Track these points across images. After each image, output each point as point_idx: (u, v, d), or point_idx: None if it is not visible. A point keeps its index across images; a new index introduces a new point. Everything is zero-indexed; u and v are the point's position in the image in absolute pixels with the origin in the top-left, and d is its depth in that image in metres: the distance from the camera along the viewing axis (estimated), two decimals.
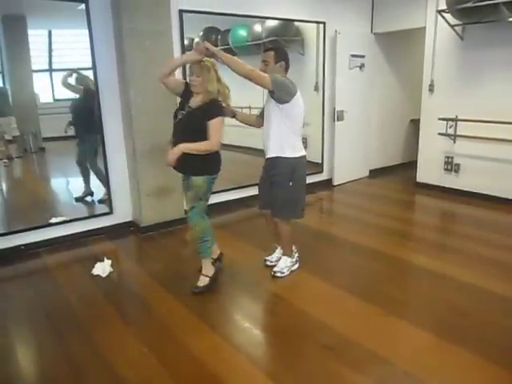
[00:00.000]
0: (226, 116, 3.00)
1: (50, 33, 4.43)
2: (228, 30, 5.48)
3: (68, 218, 4.06)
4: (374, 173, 6.49)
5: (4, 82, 4.11)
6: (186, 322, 2.70)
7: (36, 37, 4.32)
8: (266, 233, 3.56)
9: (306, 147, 3.22)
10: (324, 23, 5.46)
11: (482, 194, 5.04)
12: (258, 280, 3.24)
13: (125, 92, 3.98)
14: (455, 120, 5.13)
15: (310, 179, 5.10)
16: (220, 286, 3.16)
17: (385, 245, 3.86)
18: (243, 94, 4.32)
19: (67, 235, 4.01)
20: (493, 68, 4.81)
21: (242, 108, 4.86)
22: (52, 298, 3.06)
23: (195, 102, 2.87)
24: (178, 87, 2.93)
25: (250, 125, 3.29)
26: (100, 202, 4.43)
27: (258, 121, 3.26)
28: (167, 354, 2.38)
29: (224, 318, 2.81)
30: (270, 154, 3.08)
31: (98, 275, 3.32)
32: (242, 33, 5.45)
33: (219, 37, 5.51)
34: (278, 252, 3.44)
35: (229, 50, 5.14)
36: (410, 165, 6.32)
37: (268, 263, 3.44)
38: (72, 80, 4.17)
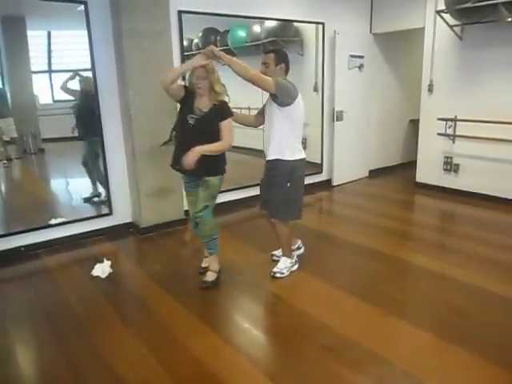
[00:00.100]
0: None
1: (49, 34, 4.43)
2: (227, 31, 5.48)
3: (67, 219, 4.06)
4: (374, 173, 6.50)
5: (3, 84, 4.11)
6: (186, 322, 2.70)
7: (35, 38, 4.32)
8: (267, 234, 3.56)
9: (305, 148, 3.24)
10: (323, 24, 5.46)
11: (482, 194, 5.05)
12: (258, 281, 3.24)
13: (124, 92, 3.98)
14: (454, 120, 5.13)
15: (309, 180, 5.12)
16: (220, 287, 3.16)
17: (384, 245, 3.87)
18: (243, 95, 4.33)
19: (67, 236, 4.01)
20: (492, 68, 4.81)
21: (241, 109, 4.88)
22: (52, 299, 3.06)
23: (202, 104, 2.90)
24: (180, 92, 2.93)
25: (248, 125, 3.31)
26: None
27: (257, 120, 3.28)
28: (167, 354, 2.38)
29: (224, 319, 2.81)
30: (271, 157, 3.11)
31: (97, 276, 3.32)
32: (241, 33, 5.45)
33: (218, 37, 5.51)
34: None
35: (228, 51, 5.13)
36: (410, 165, 6.32)
37: (275, 258, 3.48)
38: (74, 83, 4.15)
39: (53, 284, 3.29)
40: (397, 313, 2.74)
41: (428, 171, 5.63)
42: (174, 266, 3.59)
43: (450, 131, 5.20)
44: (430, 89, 5.42)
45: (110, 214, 4.24)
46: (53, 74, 4.47)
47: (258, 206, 3.40)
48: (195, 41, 5.42)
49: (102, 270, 3.37)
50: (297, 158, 3.08)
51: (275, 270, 3.25)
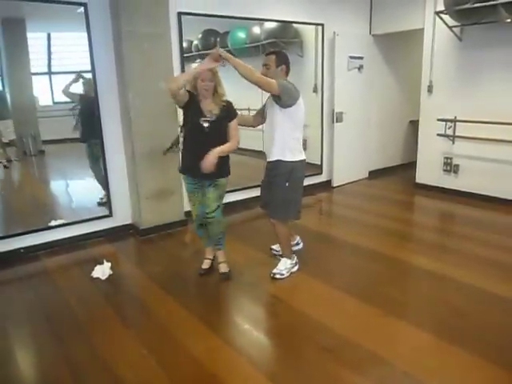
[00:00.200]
0: None
1: (49, 36, 4.44)
2: (227, 33, 5.49)
3: (67, 221, 4.06)
4: (374, 174, 6.50)
5: (3, 85, 4.11)
6: (186, 323, 2.70)
7: (35, 40, 4.33)
8: (267, 235, 3.57)
9: (305, 149, 3.26)
10: (322, 25, 5.47)
11: (481, 195, 5.05)
12: (258, 281, 3.24)
13: (124, 94, 3.98)
14: (454, 121, 5.13)
15: (309, 181, 5.13)
16: (220, 288, 3.17)
17: (384, 246, 3.87)
18: (243, 96, 4.34)
19: (67, 238, 4.01)
20: (491, 69, 4.82)
21: (241, 110, 4.88)
22: (52, 301, 3.06)
23: (210, 106, 2.93)
24: (185, 97, 2.92)
25: (247, 125, 3.33)
26: (100, 204, 4.43)
27: (256, 120, 3.33)
28: (167, 355, 2.38)
29: (223, 320, 2.81)
30: (272, 158, 3.13)
31: (97, 278, 3.32)
32: (241, 35, 5.45)
33: (218, 39, 5.52)
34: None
35: (227, 52, 5.15)
36: (410, 166, 6.33)
37: (274, 252, 3.54)
38: (77, 85, 4.14)
39: (53, 286, 3.29)
40: (397, 313, 2.74)
41: (428, 172, 5.63)
42: (174, 267, 3.59)
43: (449, 132, 5.20)
44: (430, 89, 5.43)
45: (109, 215, 4.24)
46: (53, 76, 4.49)
47: (260, 204, 3.45)
48: (195, 42, 5.43)
49: (102, 271, 3.37)
50: (297, 159, 3.11)
51: (275, 271, 3.25)
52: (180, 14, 4.23)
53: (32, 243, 3.83)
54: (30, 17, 3.95)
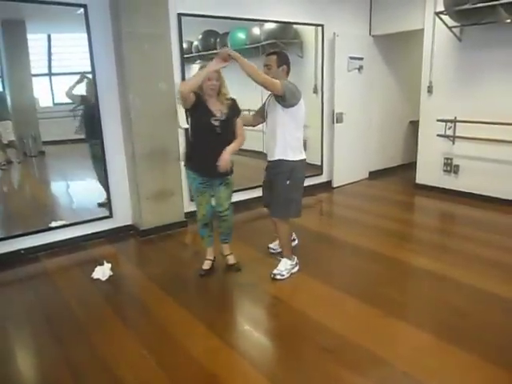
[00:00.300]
0: None
1: (49, 37, 4.44)
2: (227, 33, 5.49)
3: (68, 222, 4.06)
4: (374, 174, 6.50)
5: (3, 87, 4.12)
6: (186, 324, 2.70)
7: (35, 41, 4.34)
8: (267, 235, 3.57)
9: (305, 149, 3.28)
10: (322, 26, 5.47)
11: (482, 195, 5.05)
12: (258, 282, 3.24)
13: (124, 95, 3.99)
14: (454, 121, 5.13)
15: (309, 181, 5.12)
16: (220, 288, 3.17)
17: (384, 246, 3.87)
18: (244, 97, 4.34)
19: (67, 239, 4.01)
20: (491, 69, 4.82)
21: (241, 110, 4.88)
22: (52, 302, 3.06)
23: (218, 105, 2.97)
24: (193, 98, 2.92)
25: (247, 125, 3.34)
26: (100, 205, 4.43)
27: (255, 120, 3.38)
28: (166, 356, 2.38)
29: (223, 321, 2.81)
30: (274, 157, 3.16)
31: (97, 279, 3.33)
32: (241, 36, 5.46)
33: (218, 40, 5.53)
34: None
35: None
36: (410, 166, 6.32)
37: (272, 251, 3.59)
38: (81, 87, 4.13)
39: (53, 287, 3.30)
40: (397, 314, 2.74)
41: (428, 172, 5.63)
42: (174, 268, 3.59)
43: (449, 132, 5.20)
44: (430, 90, 5.43)
45: (110, 216, 4.25)
46: (53, 77, 4.49)
47: (263, 204, 3.51)
48: (195, 43, 5.44)
49: (103, 272, 3.37)
50: (298, 159, 3.15)
51: (275, 271, 3.25)
52: (180, 15, 4.23)
53: (32, 244, 3.83)
54: (30, 18, 3.96)
